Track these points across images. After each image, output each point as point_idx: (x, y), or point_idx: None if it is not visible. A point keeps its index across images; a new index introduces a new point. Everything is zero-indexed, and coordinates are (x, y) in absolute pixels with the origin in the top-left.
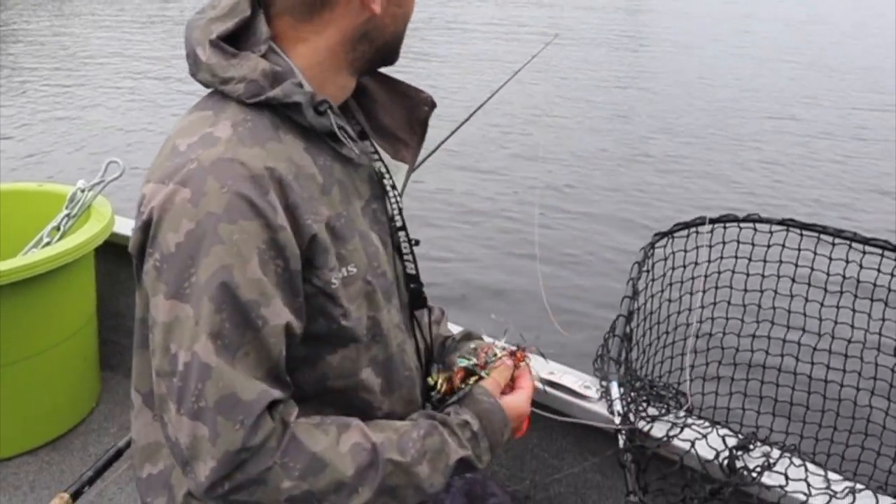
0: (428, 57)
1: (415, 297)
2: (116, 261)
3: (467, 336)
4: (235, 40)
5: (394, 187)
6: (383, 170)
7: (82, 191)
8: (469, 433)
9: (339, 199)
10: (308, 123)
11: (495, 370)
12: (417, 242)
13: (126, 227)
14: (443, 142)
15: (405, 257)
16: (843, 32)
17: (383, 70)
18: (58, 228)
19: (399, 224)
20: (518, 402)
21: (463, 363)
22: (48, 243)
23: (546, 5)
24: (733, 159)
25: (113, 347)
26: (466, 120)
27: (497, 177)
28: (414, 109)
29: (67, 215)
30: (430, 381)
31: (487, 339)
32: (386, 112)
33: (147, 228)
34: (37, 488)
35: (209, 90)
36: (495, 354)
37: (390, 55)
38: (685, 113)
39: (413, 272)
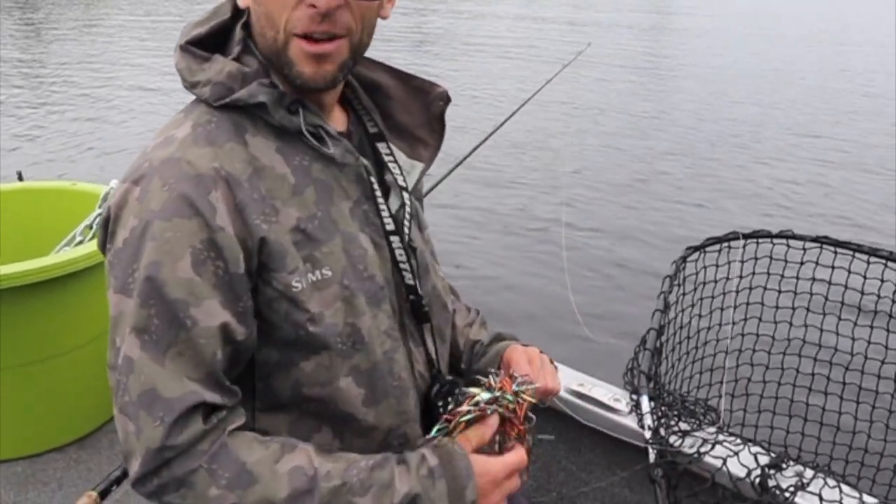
0: (446, 71)
1: (415, 309)
2: None
3: (498, 338)
4: (220, 44)
5: (405, 188)
6: (396, 170)
7: None
8: (425, 469)
9: (314, 199)
10: (278, 123)
11: (471, 428)
12: (414, 249)
13: None
14: (477, 147)
15: (401, 266)
16: (867, 50)
17: (397, 67)
18: (91, 227)
19: (391, 228)
20: (491, 464)
21: (474, 403)
22: (81, 242)
23: (565, 23)
24: (760, 176)
25: None
26: (497, 128)
27: (521, 191)
28: (430, 105)
29: (100, 214)
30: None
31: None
32: (403, 109)
33: (107, 225)
34: (64, 485)
35: None
36: (507, 397)
37: (281, 69)
38: (711, 130)
39: (411, 282)
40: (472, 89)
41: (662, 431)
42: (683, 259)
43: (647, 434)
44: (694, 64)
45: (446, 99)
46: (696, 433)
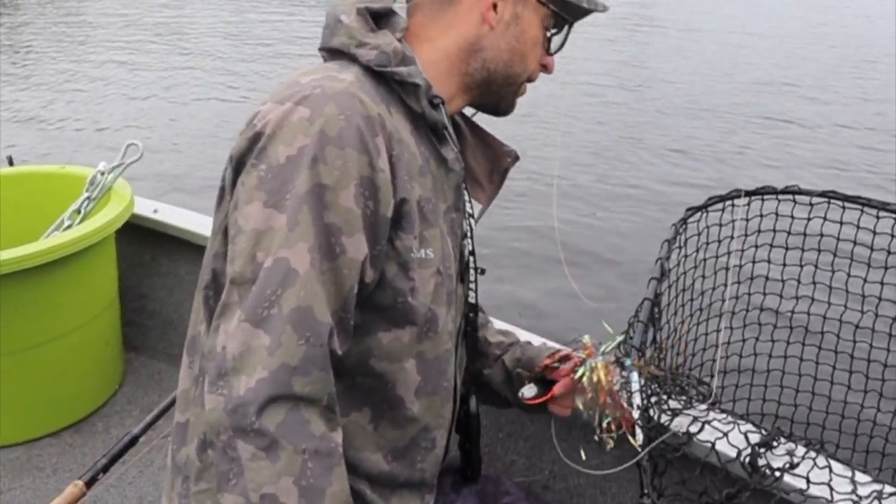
0: None
1: (469, 327)
2: (137, 243)
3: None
4: (376, 24)
5: (471, 215)
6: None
7: (102, 173)
8: None
9: (430, 186)
10: (420, 110)
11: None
12: (483, 271)
13: (147, 208)
14: None
15: (469, 283)
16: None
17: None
18: (78, 211)
19: (470, 248)
20: None
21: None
22: (69, 226)
23: None
24: (758, 139)
25: (136, 329)
26: None
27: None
28: (497, 161)
29: (88, 198)
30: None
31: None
32: (472, 156)
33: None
34: (59, 471)
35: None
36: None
37: (500, 94)
38: (705, 96)
39: (473, 301)
40: None
41: (652, 411)
42: (684, 221)
43: (636, 414)
44: (686, 32)
45: (515, 157)
46: (687, 411)
